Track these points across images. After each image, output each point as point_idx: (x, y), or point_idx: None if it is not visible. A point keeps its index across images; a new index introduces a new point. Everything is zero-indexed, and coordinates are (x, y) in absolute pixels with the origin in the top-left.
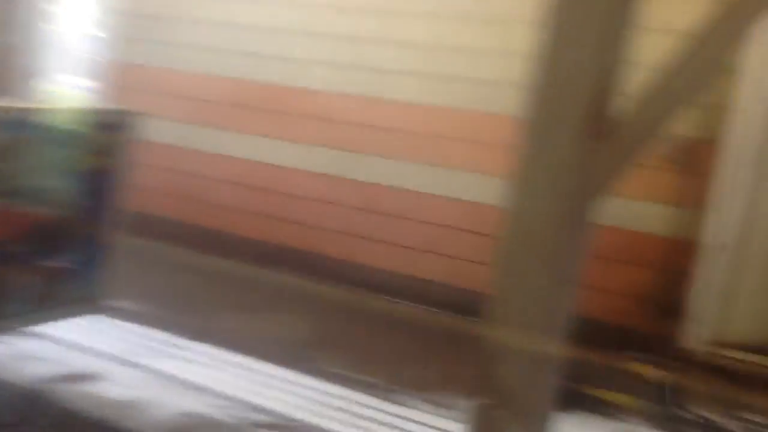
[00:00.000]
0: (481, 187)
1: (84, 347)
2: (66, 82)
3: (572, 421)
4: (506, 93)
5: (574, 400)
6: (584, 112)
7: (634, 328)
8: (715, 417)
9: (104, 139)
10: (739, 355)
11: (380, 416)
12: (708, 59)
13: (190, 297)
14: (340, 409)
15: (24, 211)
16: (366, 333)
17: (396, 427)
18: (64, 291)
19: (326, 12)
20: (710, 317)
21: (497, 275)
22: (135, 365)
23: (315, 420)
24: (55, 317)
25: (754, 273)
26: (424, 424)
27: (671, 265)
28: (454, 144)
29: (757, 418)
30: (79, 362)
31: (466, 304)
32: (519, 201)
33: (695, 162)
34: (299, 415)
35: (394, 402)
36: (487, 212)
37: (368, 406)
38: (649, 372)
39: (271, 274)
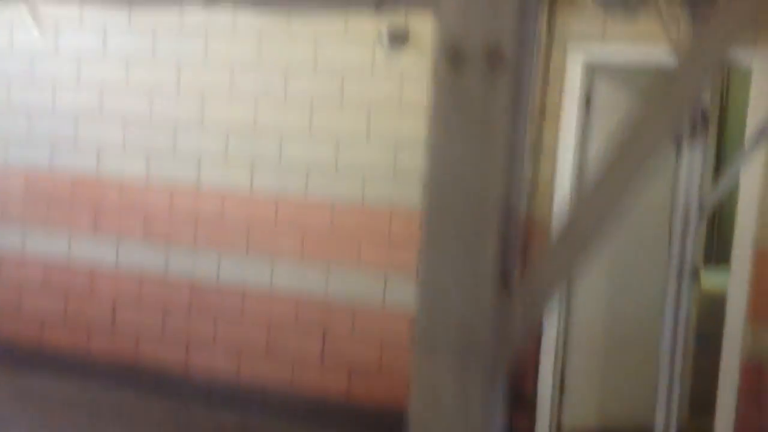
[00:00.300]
0: (313, 278)
1: None
2: None
3: None
4: (339, 179)
5: None
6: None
7: None
8: None
9: None
10: None
11: None
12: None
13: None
14: None
15: None
16: None
17: None
18: None
19: (136, 94)
20: (552, 407)
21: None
22: None
23: None
24: None
25: (581, 361)
26: None
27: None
28: (283, 234)
29: None
30: None
31: (308, 412)
32: (426, 369)
33: (528, 243)
34: None
35: None
36: (323, 306)
37: None
38: None
39: (91, 390)
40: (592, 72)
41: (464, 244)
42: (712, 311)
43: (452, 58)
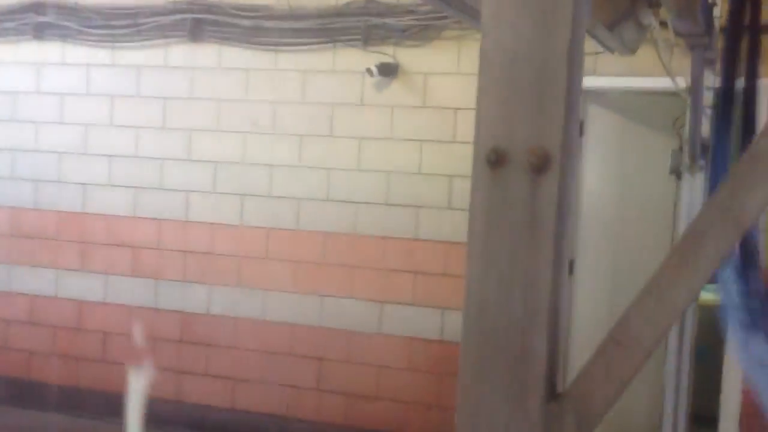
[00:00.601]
0: (301, 307)
1: None
2: None
3: None
4: (323, 210)
5: None
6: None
7: None
8: None
9: None
10: None
11: None
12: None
13: None
14: None
15: None
16: None
17: None
18: None
19: (113, 130)
20: None
21: None
22: None
23: None
24: None
25: None
26: None
27: None
28: (272, 264)
29: None
30: None
31: None
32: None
33: None
34: None
35: None
36: (312, 333)
37: None
38: None
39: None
40: (584, 101)
41: (507, 355)
42: (710, 322)
43: (494, 160)
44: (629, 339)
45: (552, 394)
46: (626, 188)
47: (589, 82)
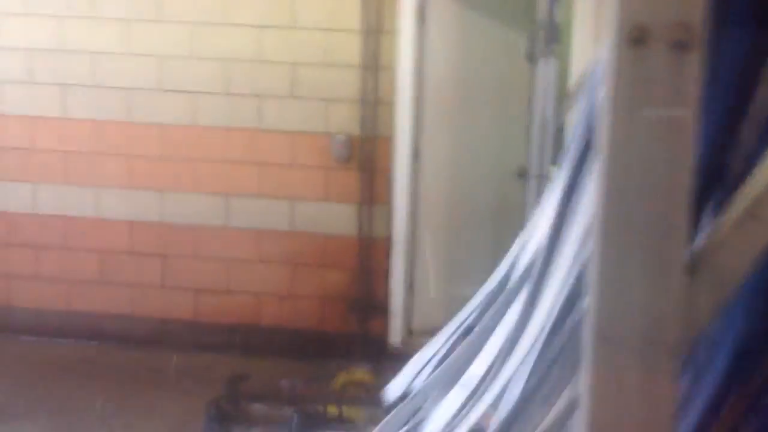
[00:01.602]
0: (139, 204)
1: None
2: None
3: None
4: (157, 100)
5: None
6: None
7: (341, 332)
8: None
9: None
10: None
11: None
12: None
13: None
14: None
15: None
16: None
17: None
18: None
19: None
20: (403, 310)
21: None
22: None
23: None
24: None
25: (424, 264)
26: None
27: (367, 264)
28: (103, 159)
29: None
30: None
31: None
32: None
33: (375, 159)
34: None
35: None
36: (153, 230)
37: None
38: (365, 376)
39: None
40: None
41: (648, 231)
42: None
43: (636, 37)
44: (766, 213)
45: (690, 267)
46: (475, 73)
47: None
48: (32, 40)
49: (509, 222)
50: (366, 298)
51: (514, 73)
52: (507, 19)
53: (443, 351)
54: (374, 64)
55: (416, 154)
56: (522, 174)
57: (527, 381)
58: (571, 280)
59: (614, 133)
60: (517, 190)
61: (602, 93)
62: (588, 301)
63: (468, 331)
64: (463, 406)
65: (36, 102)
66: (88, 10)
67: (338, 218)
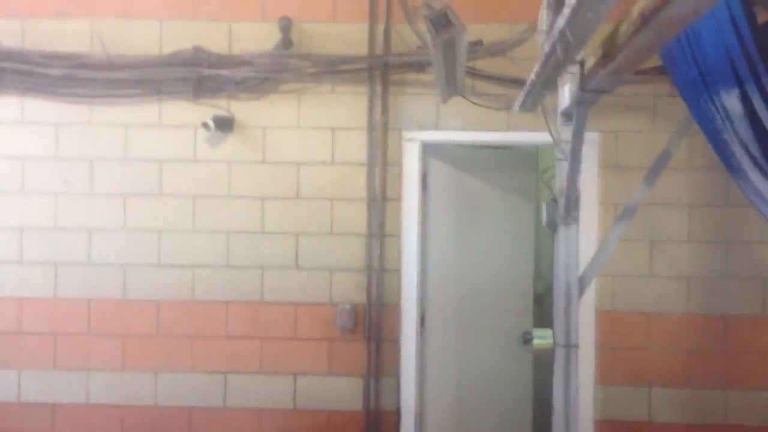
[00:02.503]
0: (131, 386)
1: None
2: None
3: None
4: (154, 276)
5: None
6: None
7: None
8: None
9: None
10: None
11: None
12: None
13: None
14: None
15: None
16: None
17: None
18: None
19: None
20: None
21: None
22: None
23: None
24: None
25: None
26: None
27: None
28: (94, 340)
29: None
30: None
31: None
32: None
33: (381, 328)
34: None
35: None
36: (145, 414)
37: None
38: None
39: None
40: (429, 153)
41: None
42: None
43: None
44: None
45: None
46: (479, 241)
47: (432, 136)
48: (24, 218)
49: (515, 392)
50: None
51: (518, 242)
52: (513, 187)
53: None
54: (379, 232)
55: (423, 322)
56: (526, 341)
57: None
58: None
59: None
60: (523, 358)
61: None
62: None
63: None
64: None
65: (25, 282)
66: (85, 187)
67: (343, 392)
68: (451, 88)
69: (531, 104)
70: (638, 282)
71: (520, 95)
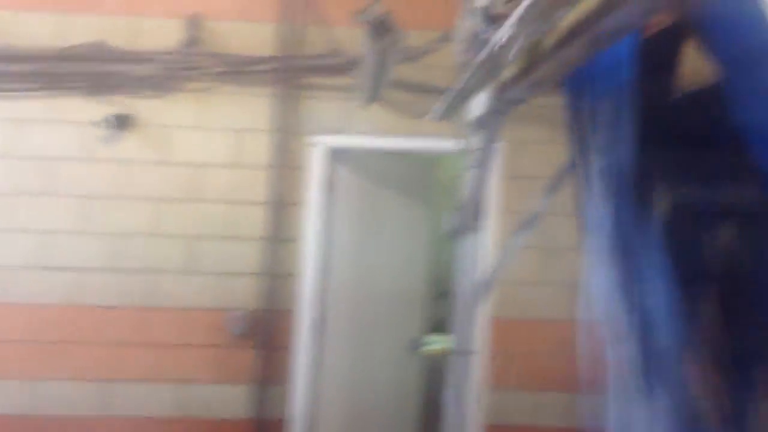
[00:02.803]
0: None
1: None
2: None
3: None
4: (36, 279)
5: None
6: None
7: None
8: None
9: None
10: None
11: None
12: None
13: None
14: None
15: None
16: None
17: None
18: None
19: None
20: None
21: None
22: None
23: None
24: None
25: None
26: None
27: None
28: None
29: None
30: None
31: None
32: None
33: (275, 335)
34: None
35: None
36: (24, 425)
37: None
38: None
39: None
40: (334, 159)
41: None
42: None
43: None
44: None
45: None
46: (381, 248)
47: (339, 141)
48: None
49: (406, 397)
50: None
51: (416, 249)
52: (414, 194)
53: None
54: (279, 237)
55: (319, 329)
56: (417, 348)
57: None
58: None
59: None
60: (414, 363)
61: None
62: None
63: None
64: None
65: None
66: None
67: (232, 400)
68: (375, 94)
69: (449, 113)
70: (530, 289)
71: (441, 104)
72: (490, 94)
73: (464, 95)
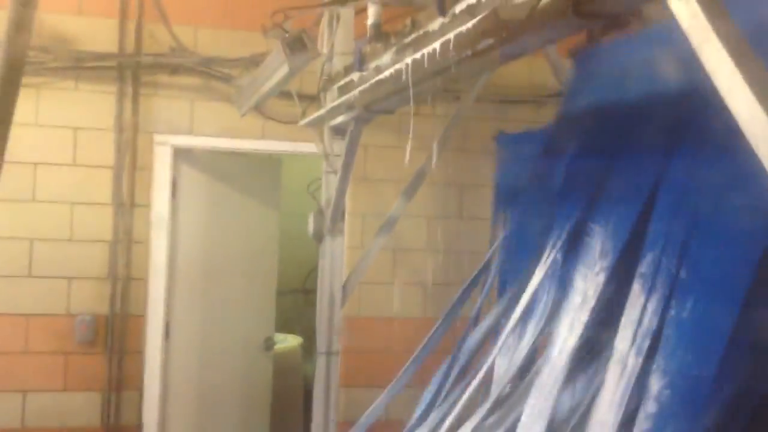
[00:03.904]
0: None
1: None
2: None
3: None
4: None
5: None
6: None
7: None
8: None
9: None
10: None
11: None
12: None
13: None
14: None
15: None
16: None
17: None
18: None
19: None
20: None
21: None
22: None
23: None
24: None
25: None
26: None
27: None
28: None
29: None
30: None
31: None
32: None
33: (124, 340)
34: None
35: None
36: None
37: None
38: None
39: None
40: (180, 158)
41: None
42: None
43: None
44: None
45: None
46: (227, 248)
47: (185, 141)
48: None
49: (257, 396)
50: None
51: (263, 250)
52: (259, 195)
53: None
54: (125, 239)
55: (168, 333)
56: (268, 346)
57: None
58: None
59: None
60: (264, 363)
61: None
62: None
63: None
64: None
65: None
66: None
67: (80, 408)
68: (256, 104)
69: (317, 122)
70: (381, 289)
71: (314, 114)
72: (352, 103)
73: (326, 101)
